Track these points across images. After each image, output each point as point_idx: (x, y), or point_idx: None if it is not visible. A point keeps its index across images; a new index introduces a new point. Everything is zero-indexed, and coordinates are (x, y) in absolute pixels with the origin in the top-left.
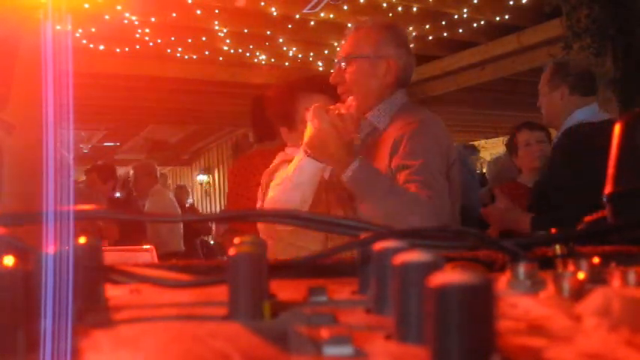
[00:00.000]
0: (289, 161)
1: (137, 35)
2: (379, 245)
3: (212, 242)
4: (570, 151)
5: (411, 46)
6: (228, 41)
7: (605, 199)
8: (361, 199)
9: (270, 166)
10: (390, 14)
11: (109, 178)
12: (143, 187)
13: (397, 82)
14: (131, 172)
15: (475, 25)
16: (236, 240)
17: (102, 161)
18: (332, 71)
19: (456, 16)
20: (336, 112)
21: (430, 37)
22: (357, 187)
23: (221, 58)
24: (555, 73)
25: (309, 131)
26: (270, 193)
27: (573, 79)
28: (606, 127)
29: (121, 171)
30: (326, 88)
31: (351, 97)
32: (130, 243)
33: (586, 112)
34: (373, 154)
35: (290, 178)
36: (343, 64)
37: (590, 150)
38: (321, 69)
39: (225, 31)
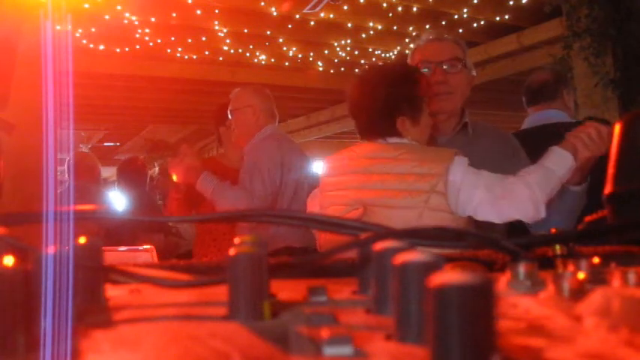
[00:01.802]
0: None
1: (137, 35)
2: (379, 245)
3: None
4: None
5: (411, 46)
6: (228, 41)
7: (605, 199)
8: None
9: (449, 163)
10: (390, 14)
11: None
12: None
13: None
14: (156, 171)
15: (475, 25)
16: (236, 240)
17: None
18: (426, 70)
19: (456, 16)
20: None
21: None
22: (575, 197)
23: (221, 58)
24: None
25: (590, 139)
26: (535, 172)
27: (525, 92)
28: (538, 132)
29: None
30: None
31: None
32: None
33: (530, 119)
34: (465, 153)
35: (550, 169)
36: (446, 66)
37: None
38: (321, 69)
39: (225, 31)
